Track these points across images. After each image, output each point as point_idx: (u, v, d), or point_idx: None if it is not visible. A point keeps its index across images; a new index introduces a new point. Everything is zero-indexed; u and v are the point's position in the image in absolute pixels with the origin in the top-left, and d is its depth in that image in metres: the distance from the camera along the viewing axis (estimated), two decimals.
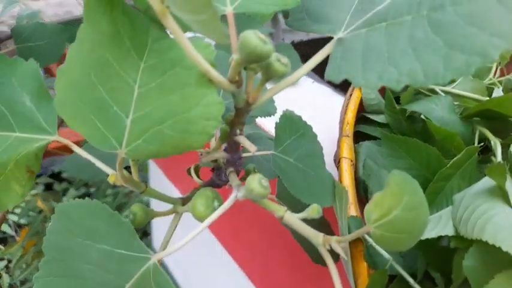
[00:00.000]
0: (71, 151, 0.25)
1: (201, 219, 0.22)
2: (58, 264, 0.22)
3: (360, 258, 0.26)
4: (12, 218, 1.04)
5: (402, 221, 0.19)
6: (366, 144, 0.34)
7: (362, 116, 0.39)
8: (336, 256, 0.22)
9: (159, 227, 0.87)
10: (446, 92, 0.37)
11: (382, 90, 0.40)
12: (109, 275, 0.21)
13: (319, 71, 0.62)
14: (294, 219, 0.21)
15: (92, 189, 1.10)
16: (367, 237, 0.28)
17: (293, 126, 0.29)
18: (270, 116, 0.31)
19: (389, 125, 0.38)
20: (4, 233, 1.02)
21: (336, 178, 0.33)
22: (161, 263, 0.22)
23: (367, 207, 0.20)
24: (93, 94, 0.20)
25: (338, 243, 0.20)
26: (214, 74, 0.19)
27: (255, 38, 0.18)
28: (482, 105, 0.33)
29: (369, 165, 0.33)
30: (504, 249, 0.20)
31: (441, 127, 0.31)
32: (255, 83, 0.22)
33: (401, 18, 0.18)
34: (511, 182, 0.25)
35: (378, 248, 0.27)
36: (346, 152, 0.32)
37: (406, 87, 0.38)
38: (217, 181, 0.27)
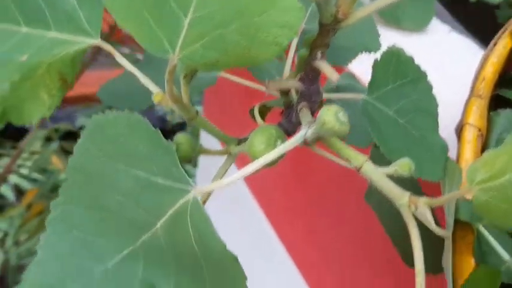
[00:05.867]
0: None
1: (257, 158, 0.27)
2: (82, 190, 0.27)
3: (466, 252, 0.29)
4: (14, 179, 1.18)
5: None
6: (506, 113, 0.37)
7: (507, 78, 0.41)
8: None
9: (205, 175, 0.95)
10: None
11: None
12: (139, 210, 0.27)
13: (461, 16, 0.64)
14: (375, 171, 0.25)
15: None
16: (482, 229, 0.31)
17: (400, 68, 0.33)
18: (370, 52, 0.35)
19: None
20: (2, 197, 1.17)
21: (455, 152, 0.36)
22: None
23: (472, 164, 0.23)
24: None
25: (429, 206, 0.24)
26: None
27: None
28: None
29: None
30: None
31: None
32: None
33: None
34: None
35: (494, 243, 0.30)
36: (474, 117, 0.35)
37: None
38: (286, 126, 0.31)
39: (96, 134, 0.27)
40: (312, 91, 0.28)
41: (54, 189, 1.03)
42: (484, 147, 0.36)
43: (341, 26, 0.26)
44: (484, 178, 0.23)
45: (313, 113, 0.29)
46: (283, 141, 0.28)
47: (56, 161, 0.98)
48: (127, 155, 0.27)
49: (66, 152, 1.06)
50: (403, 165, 0.25)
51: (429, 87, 0.33)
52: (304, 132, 0.26)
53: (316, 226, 0.66)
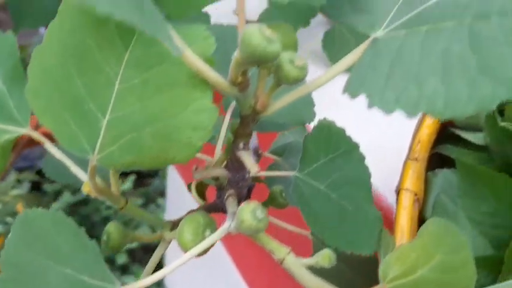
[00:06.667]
0: None
1: (186, 250, 0.27)
2: (14, 285, 0.28)
3: None
4: None
5: (430, 285, 0.23)
6: (443, 173, 0.37)
7: (450, 133, 0.42)
8: None
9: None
10: None
11: None
12: None
13: None
14: (296, 265, 0.25)
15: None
16: None
17: (332, 140, 0.33)
18: (304, 125, 0.35)
19: (489, 148, 0.40)
20: None
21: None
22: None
23: (386, 259, 0.23)
24: (69, 85, 0.26)
25: None
26: (209, 73, 0.24)
27: (258, 36, 0.22)
28: None
29: (443, 203, 0.36)
30: None
31: None
32: (267, 86, 0.26)
33: (443, 24, 0.21)
34: None
35: None
36: (411, 181, 0.36)
37: None
38: (220, 205, 0.31)
39: (24, 231, 0.27)
40: (238, 178, 0.29)
41: None
42: (421, 210, 0.37)
43: (260, 117, 0.27)
44: (397, 275, 0.23)
45: (242, 198, 0.29)
46: (212, 229, 0.28)
47: (21, 209, 0.97)
48: (54, 252, 0.27)
49: (33, 198, 1.05)
50: (324, 257, 0.25)
51: (361, 158, 0.33)
52: (228, 225, 0.26)
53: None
